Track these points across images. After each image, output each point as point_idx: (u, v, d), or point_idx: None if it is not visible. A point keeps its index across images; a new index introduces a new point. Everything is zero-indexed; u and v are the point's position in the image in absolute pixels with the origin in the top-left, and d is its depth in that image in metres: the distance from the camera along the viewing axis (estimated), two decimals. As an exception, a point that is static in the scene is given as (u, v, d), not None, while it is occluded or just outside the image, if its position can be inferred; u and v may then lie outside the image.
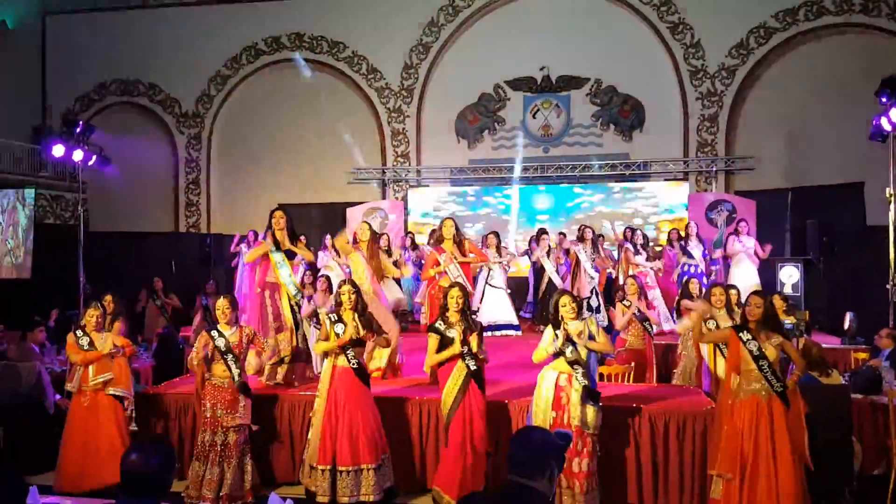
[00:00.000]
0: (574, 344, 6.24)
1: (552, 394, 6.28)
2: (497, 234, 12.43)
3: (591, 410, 6.22)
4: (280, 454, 7.36)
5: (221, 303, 7.05)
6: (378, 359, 8.19)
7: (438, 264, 8.82)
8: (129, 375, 7.52)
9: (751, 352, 6.05)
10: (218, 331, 6.91)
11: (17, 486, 3.22)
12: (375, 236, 8.78)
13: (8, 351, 9.82)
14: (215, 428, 6.74)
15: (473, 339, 6.52)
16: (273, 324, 7.99)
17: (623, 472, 6.69)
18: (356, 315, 6.70)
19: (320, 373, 7.00)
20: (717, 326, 7.49)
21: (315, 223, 16.27)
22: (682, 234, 12.94)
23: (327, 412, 6.51)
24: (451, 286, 6.85)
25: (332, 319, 6.68)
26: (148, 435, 7.44)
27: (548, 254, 12.59)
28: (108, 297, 8.35)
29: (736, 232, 12.47)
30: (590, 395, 6.21)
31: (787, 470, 5.85)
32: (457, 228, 8.92)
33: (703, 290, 10.25)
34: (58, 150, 13.34)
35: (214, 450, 6.72)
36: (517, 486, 3.05)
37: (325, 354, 6.68)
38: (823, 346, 8.01)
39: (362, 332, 6.71)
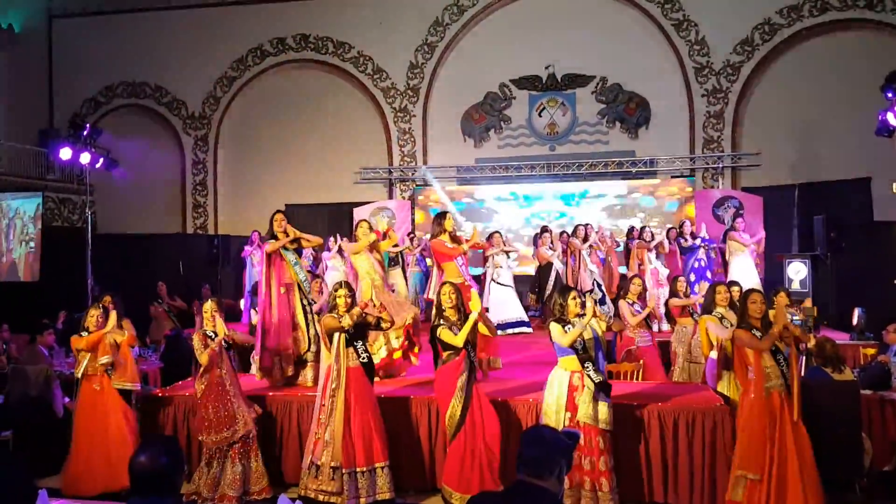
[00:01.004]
0: (582, 339, 6.25)
1: (566, 395, 6.27)
2: (500, 234, 12.46)
3: (602, 406, 6.21)
4: (289, 455, 7.37)
5: (209, 306, 7.15)
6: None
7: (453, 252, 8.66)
8: (134, 367, 7.53)
9: (771, 350, 6.06)
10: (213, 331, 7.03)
11: (27, 489, 3.23)
12: (373, 231, 8.82)
13: (17, 353, 9.87)
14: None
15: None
16: (291, 322, 8.07)
17: (633, 469, 6.68)
18: (352, 315, 6.71)
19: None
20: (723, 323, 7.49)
21: (322, 223, 16.28)
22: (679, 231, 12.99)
23: (345, 412, 6.54)
24: (442, 284, 6.88)
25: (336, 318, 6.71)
26: (155, 435, 7.45)
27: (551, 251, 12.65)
28: (107, 298, 8.36)
29: (733, 228, 12.47)
30: (602, 388, 6.21)
31: (811, 462, 5.88)
32: (454, 223, 8.82)
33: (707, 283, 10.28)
34: (65, 153, 13.41)
35: (233, 448, 6.76)
36: (527, 485, 3.05)
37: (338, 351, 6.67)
38: (830, 342, 7.99)
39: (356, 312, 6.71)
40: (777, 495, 5.87)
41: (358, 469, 6.45)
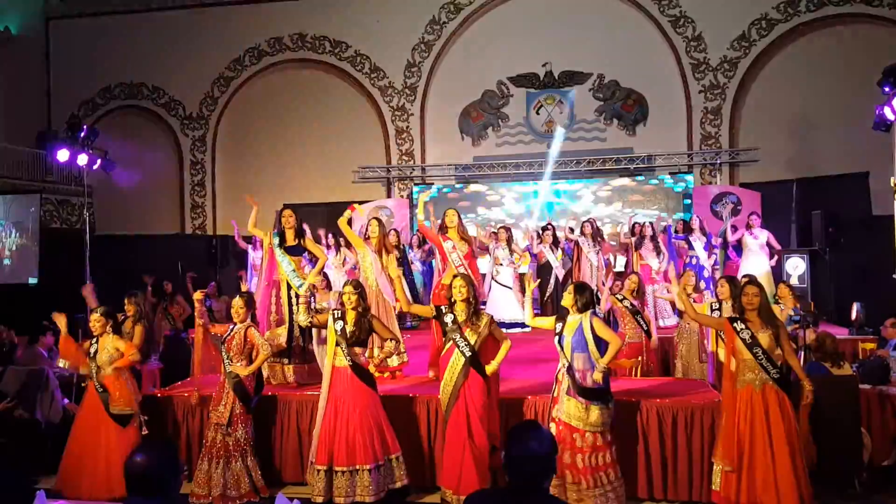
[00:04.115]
0: (560, 337, 6.24)
1: (556, 387, 6.35)
2: (508, 229, 12.41)
3: (573, 403, 6.16)
4: (287, 454, 7.37)
5: (236, 301, 7.15)
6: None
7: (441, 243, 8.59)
8: (128, 392, 7.20)
9: (744, 341, 6.04)
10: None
11: (24, 490, 3.23)
12: (385, 232, 8.79)
13: (20, 356, 9.86)
14: (226, 427, 6.81)
15: (469, 332, 6.50)
16: (274, 318, 8.08)
17: (632, 466, 6.68)
18: (358, 316, 6.69)
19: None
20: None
21: (321, 223, 16.28)
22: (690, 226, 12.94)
23: (327, 412, 6.53)
24: (454, 277, 6.83)
25: (336, 316, 6.69)
26: (153, 437, 7.44)
27: (552, 249, 12.63)
28: (127, 301, 8.26)
29: (748, 226, 12.48)
30: (579, 392, 6.16)
31: (785, 459, 5.83)
32: (460, 220, 8.71)
33: (704, 282, 10.26)
34: (63, 155, 13.38)
35: (215, 447, 6.78)
36: (524, 486, 3.03)
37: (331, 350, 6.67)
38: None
39: (355, 331, 6.68)
40: (748, 489, 5.88)
41: (336, 468, 6.40)
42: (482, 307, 7.55)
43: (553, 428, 6.19)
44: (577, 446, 6.11)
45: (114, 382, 7.10)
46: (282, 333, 7.94)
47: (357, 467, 6.41)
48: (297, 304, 7.42)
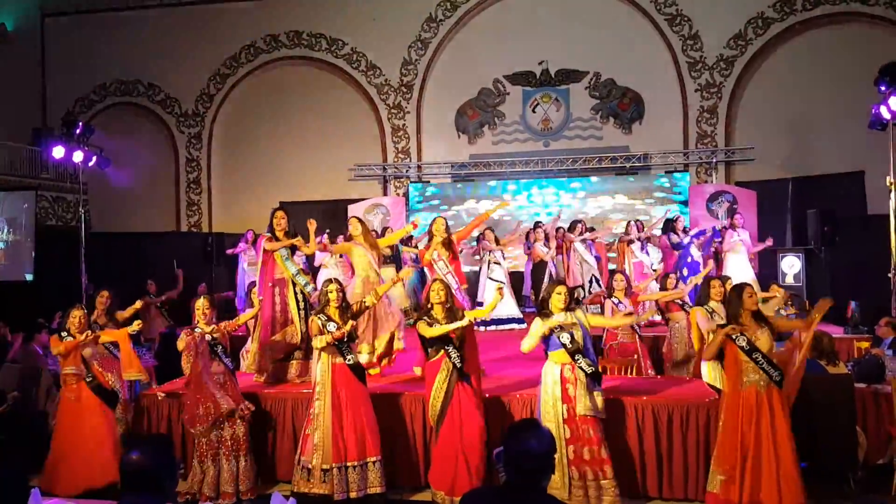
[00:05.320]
0: (570, 332, 6.24)
1: (559, 387, 6.28)
2: (492, 230, 12.43)
3: (597, 396, 6.27)
4: (282, 452, 7.36)
5: (201, 303, 7.17)
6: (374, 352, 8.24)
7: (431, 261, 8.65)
8: (131, 363, 7.48)
9: (742, 348, 6.03)
10: (201, 329, 7.00)
11: (20, 488, 3.23)
12: (367, 227, 8.85)
13: (12, 353, 9.85)
14: (222, 423, 6.80)
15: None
16: (279, 318, 8.07)
17: (627, 463, 6.69)
18: (340, 312, 6.75)
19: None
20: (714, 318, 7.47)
21: (317, 220, 16.21)
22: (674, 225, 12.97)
23: (334, 411, 6.53)
24: (433, 281, 6.87)
25: (323, 320, 6.69)
26: (148, 434, 7.44)
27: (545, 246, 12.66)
28: (104, 293, 8.37)
29: (732, 226, 12.46)
30: (595, 378, 6.26)
31: (789, 458, 5.84)
32: (447, 229, 8.71)
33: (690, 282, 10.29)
34: (58, 152, 13.38)
35: (225, 444, 6.77)
36: (520, 484, 3.03)
37: (323, 349, 6.64)
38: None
39: (348, 327, 6.68)
40: (751, 492, 5.88)
41: (349, 464, 6.45)
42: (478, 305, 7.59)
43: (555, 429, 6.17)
44: (588, 438, 6.19)
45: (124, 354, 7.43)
46: (292, 332, 7.97)
47: (367, 460, 6.52)
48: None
